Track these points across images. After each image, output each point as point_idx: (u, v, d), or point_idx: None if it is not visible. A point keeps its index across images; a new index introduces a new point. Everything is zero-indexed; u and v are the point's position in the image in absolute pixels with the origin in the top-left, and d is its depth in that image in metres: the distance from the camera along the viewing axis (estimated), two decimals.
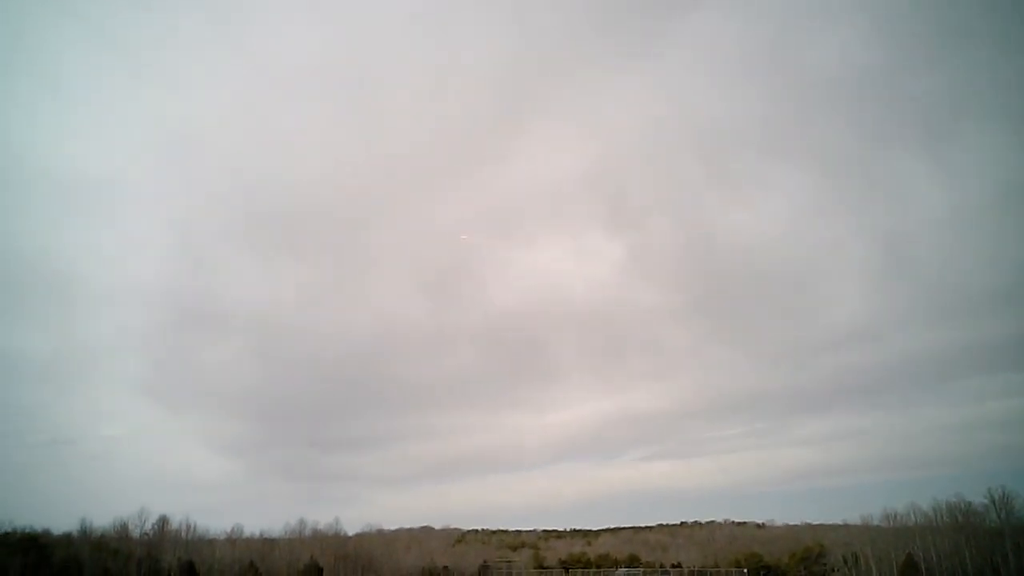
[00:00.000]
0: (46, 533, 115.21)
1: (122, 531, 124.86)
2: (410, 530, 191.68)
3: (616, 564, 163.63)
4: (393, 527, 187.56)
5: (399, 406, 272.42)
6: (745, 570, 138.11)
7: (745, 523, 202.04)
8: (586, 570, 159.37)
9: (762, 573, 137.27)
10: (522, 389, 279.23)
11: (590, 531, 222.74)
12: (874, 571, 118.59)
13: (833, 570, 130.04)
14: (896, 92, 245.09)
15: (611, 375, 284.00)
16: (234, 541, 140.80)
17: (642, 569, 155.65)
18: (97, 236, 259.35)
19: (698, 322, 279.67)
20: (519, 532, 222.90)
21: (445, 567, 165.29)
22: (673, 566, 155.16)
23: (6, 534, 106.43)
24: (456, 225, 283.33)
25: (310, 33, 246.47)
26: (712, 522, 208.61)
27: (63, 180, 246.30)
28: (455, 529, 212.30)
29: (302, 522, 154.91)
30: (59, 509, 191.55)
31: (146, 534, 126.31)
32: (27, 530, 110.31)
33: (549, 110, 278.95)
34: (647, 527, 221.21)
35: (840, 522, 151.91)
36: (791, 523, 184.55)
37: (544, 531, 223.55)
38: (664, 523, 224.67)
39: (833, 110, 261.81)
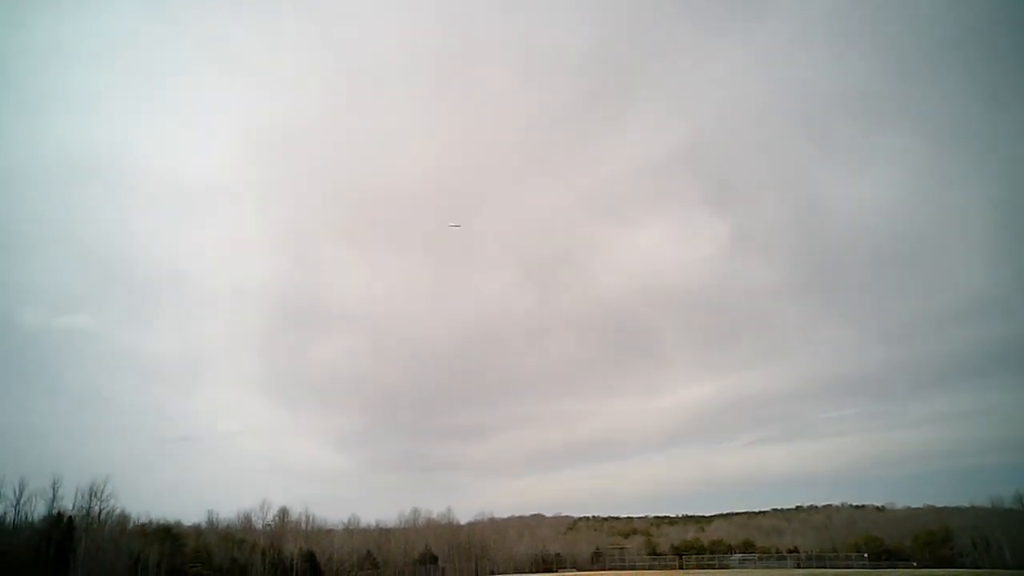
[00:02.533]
0: (178, 524, 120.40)
1: (246, 522, 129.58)
2: (521, 518, 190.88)
3: (731, 550, 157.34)
4: (504, 515, 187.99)
5: (505, 394, 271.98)
6: (865, 555, 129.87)
7: (863, 506, 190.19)
8: (700, 556, 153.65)
9: (884, 558, 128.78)
10: (629, 374, 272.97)
11: (702, 517, 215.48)
12: (1008, 556, 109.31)
13: (961, 555, 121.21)
14: (1017, 49, 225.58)
15: (720, 357, 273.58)
16: (351, 531, 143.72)
17: (757, 555, 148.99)
18: (206, 238, 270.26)
19: (809, 300, 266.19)
20: (630, 519, 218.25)
21: (557, 555, 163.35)
22: (789, 551, 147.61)
23: (143, 525, 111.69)
24: (556, 211, 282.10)
25: (401, 26, 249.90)
26: (828, 506, 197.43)
27: (172, 183, 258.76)
28: (566, 517, 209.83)
29: (415, 511, 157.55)
30: (187, 502, 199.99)
31: (268, 525, 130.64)
32: (161, 522, 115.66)
33: (646, 90, 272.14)
34: (761, 512, 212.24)
35: (966, 504, 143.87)
36: (912, 506, 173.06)
37: (655, 517, 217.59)
38: (779, 508, 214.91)
39: (948, 71, 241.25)
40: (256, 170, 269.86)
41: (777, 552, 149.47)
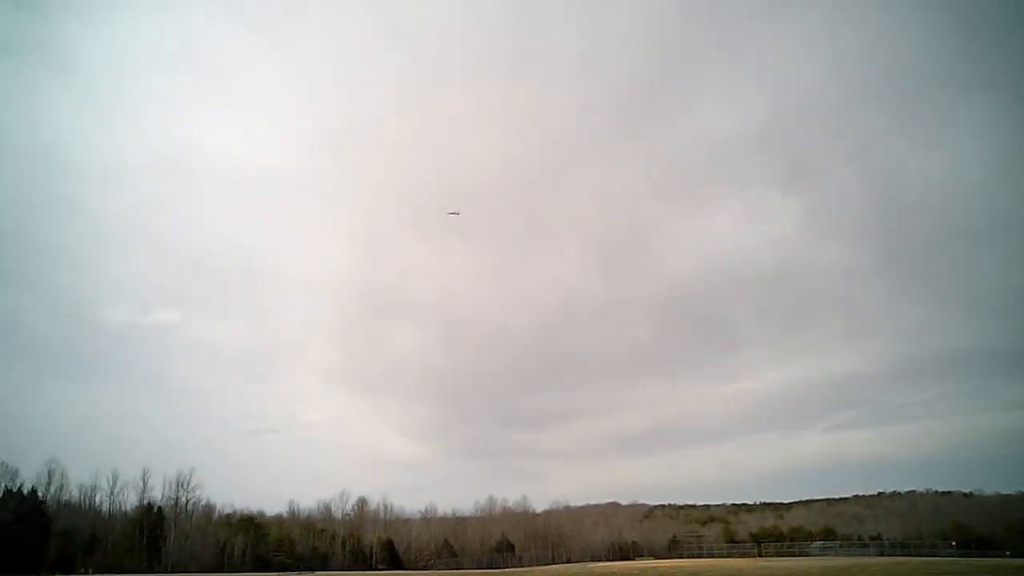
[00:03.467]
0: (260, 514, 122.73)
1: (326, 512, 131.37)
2: (597, 506, 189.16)
3: (811, 537, 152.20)
4: (580, 503, 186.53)
5: (580, 380, 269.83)
6: (953, 543, 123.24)
7: (950, 492, 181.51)
8: (779, 544, 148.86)
9: (973, 546, 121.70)
10: (703, 359, 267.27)
11: (781, 504, 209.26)
12: None
13: None
14: None
15: (797, 339, 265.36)
16: (428, 520, 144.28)
17: (839, 542, 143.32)
18: (284, 232, 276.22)
19: (889, 279, 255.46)
20: (707, 506, 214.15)
21: (634, 543, 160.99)
22: (872, 539, 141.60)
23: (228, 515, 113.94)
24: (626, 195, 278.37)
25: (466, 17, 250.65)
26: (913, 492, 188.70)
27: (250, 179, 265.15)
28: (642, 504, 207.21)
29: (491, 500, 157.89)
30: (269, 492, 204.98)
31: (348, 514, 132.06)
32: (245, 512, 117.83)
33: (715, 69, 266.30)
34: (842, 498, 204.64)
35: None
36: (1004, 492, 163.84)
37: (733, 505, 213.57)
38: (860, 494, 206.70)
39: None
40: (330, 164, 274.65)
41: (859, 539, 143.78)
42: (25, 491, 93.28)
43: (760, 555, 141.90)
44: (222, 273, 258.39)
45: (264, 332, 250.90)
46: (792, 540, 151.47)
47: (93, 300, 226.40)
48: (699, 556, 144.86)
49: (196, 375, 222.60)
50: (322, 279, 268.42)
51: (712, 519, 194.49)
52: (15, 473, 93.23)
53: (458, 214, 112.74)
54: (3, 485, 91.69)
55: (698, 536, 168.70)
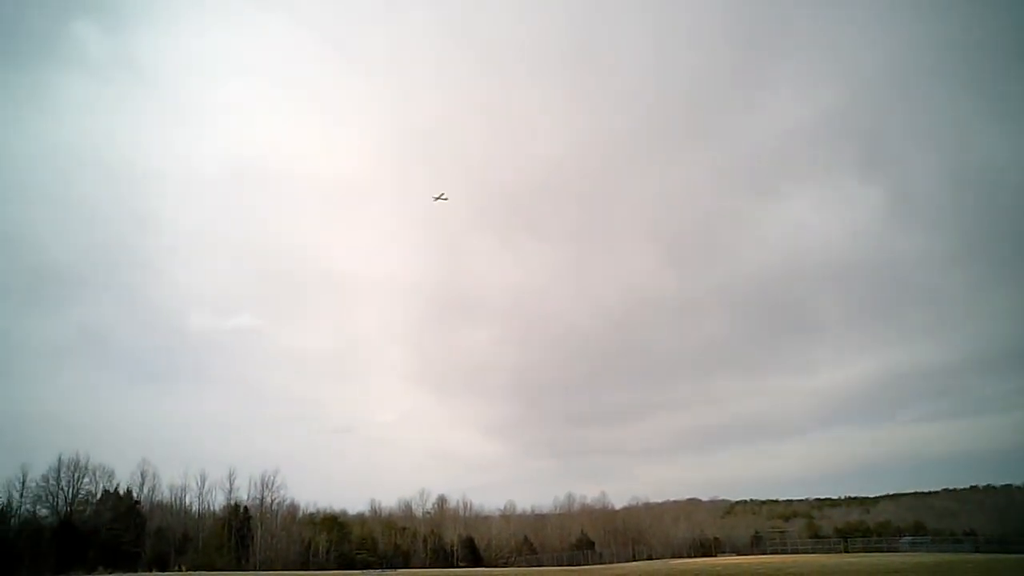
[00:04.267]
0: (343, 513, 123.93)
1: (406, 510, 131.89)
2: (677, 502, 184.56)
3: (899, 532, 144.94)
4: (659, 500, 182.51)
5: (655, 376, 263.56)
6: None
7: None
8: (866, 539, 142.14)
9: None
10: (782, 351, 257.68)
11: (867, 498, 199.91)
12: None
13: None
14: None
15: (880, 329, 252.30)
16: (508, 517, 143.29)
17: (930, 537, 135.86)
18: (356, 234, 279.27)
19: (976, 266, 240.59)
20: (790, 501, 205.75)
21: (716, 539, 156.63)
22: (966, 534, 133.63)
23: (311, 514, 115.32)
24: (697, 187, 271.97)
25: (531, 16, 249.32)
26: (1009, 486, 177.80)
27: (323, 183, 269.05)
28: (723, 500, 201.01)
29: (570, 497, 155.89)
30: (350, 491, 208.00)
31: (428, 513, 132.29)
32: (327, 510, 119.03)
33: (786, 52, 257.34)
34: (932, 492, 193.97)
35: None
36: None
37: (816, 499, 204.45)
38: (951, 487, 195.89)
39: None
40: (403, 166, 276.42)
41: (952, 535, 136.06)
42: (121, 491, 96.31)
43: (846, 551, 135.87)
44: (300, 277, 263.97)
45: (343, 334, 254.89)
46: (880, 535, 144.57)
47: (178, 308, 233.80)
48: (783, 552, 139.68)
49: (278, 378, 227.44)
50: (398, 281, 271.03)
51: (795, 514, 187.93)
52: (111, 474, 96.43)
53: (447, 199, 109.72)
54: (102, 486, 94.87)
55: (781, 532, 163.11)
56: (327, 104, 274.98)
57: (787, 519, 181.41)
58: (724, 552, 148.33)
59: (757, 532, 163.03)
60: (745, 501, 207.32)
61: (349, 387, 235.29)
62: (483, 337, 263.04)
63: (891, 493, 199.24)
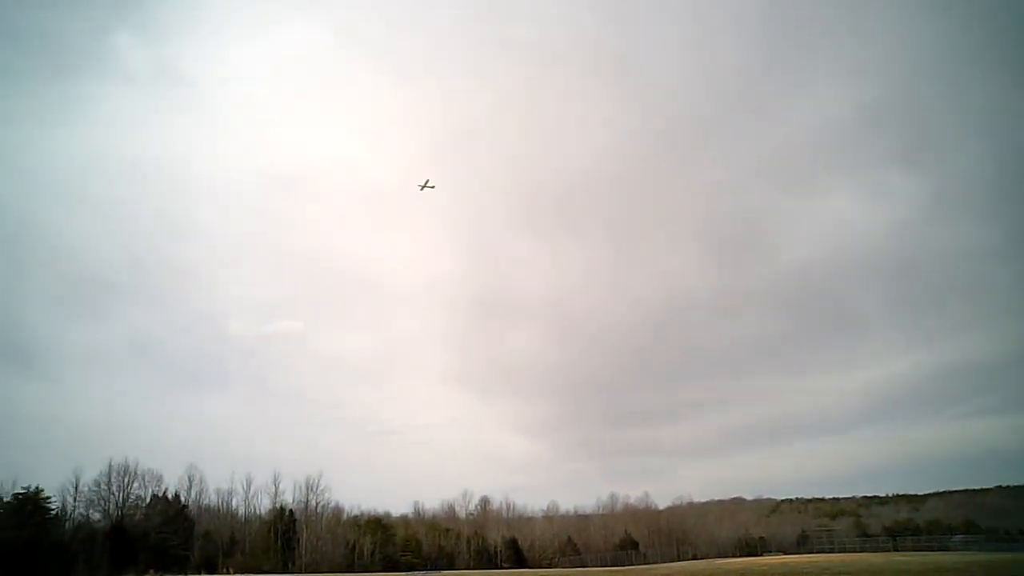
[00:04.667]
0: (387, 515, 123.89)
1: (450, 512, 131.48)
2: (721, 502, 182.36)
3: (950, 531, 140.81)
4: (703, 499, 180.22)
5: (696, 375, 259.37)
6: None
7: None
8: (916, 538, 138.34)
9: None
10: (825, 347, 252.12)
11: (916, 495, 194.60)
12: None
13: None
14: None
15: (924, 325, 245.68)
16: (551, 518, 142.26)
17: (984, 536, 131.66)
18: (397, 239, 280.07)
19: (1022, 259, 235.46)
20: (836, 499, 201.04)
21: (761, 538, 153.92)
22: (1021, 532, 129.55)
23: (356, 517, 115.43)
24: (735, 184, 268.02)
25: (563, 13, 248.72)
26: None
27: (362, 189, 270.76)
28: (768, 499, 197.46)
29: (613, 497, 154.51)
30: (394, 493, 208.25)
31: (471, 514, 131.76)
32: (372, 513, 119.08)
33: (824, 44, 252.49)
34: (983, 489, 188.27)
35: None
36: None
37: (863, 497, 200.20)
38: (1004, 484, 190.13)
39: None
40: (440, 169, 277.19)
41: (1007, 534, 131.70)
42: (169, 496, 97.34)
43: (896, 549, 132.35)
44: (340, 282, 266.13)
45: (383, 337, 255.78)
46: (930, 534, 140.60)
47: (220, 314, 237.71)
48: (830, 551, 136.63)
49: (320, 382, 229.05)
50: (437, 283, 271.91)
51: (842, 512, 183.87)
52: (160, 479, 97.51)
53: (433, 187, 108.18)
54: (151, 490, 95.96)
55: (828, 530, 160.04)
56: (365, 109, 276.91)
57: (833, 517, 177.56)
58: (770, 551, 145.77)
59: (803, 531, 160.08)
60: (790, 500, 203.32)
61: (391, 390, 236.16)
62: (524, 337, 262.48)
63: (940, 490, 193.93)
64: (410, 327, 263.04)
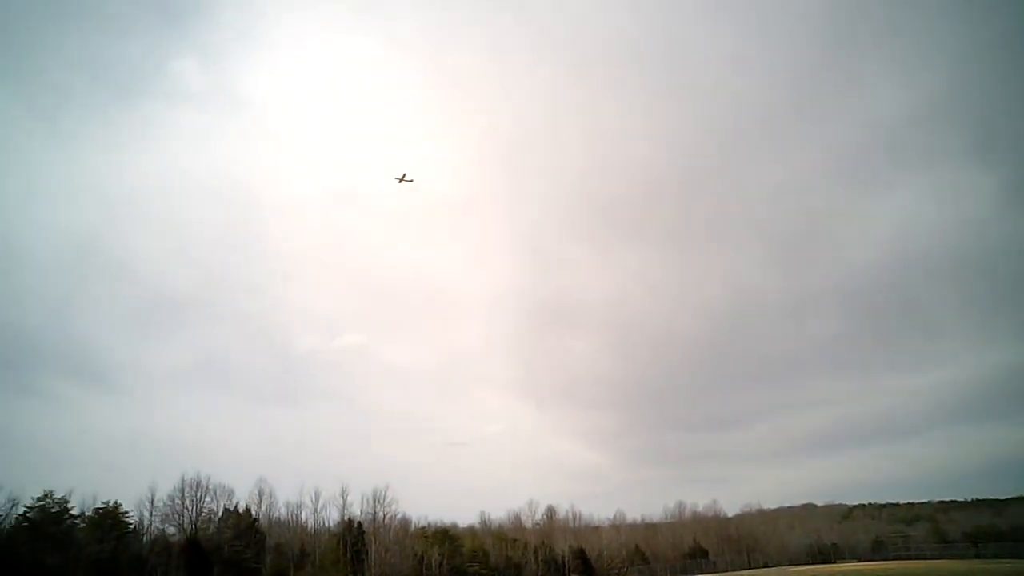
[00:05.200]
0: (454, 526, 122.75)
1: (516, 522, 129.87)
2: (791, 508, 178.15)
3: None
4: (773, 506, 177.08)
5: (763, 379, 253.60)
6: None
7: None
8: (1000, 544, 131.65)
9: None
10: (897, 349, 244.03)
11: (997, 500, 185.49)
12: None
13: None
14: None
15: (1000, 322, 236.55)
16: (618, 527, 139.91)
17: None
18: (457, 250, 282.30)
19: None
20: (912, 504, 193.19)
21: (834, 545, 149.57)
22: None
23: (423, 528, 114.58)
24: (798, 182, 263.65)
25: (614, 18, 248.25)
26: None
27: (422, 201, 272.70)
28: (840, 505, 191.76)
29: (680, 505, 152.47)
30: (460, 504, 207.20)
31: (537, 524, 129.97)
32: (439, 524, 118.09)
33: (887, 37, 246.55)
34: None
35: None
36: None
37: (940, 502, 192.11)
38: None
39: None
40: (496, 179, 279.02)
41: None
42: (240, 509, 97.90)
43: (979, 556, 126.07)
44: (402, 295, 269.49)
45: (446, 349, 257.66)
46: (1016, 540, 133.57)
47: (285, 329, 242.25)
48: (907, 558, 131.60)
49: (385, 394, 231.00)
50: (497, 293, 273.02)
51: (918, 518, 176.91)
52: (231, 493, 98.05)
53: (412, 181, 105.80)
54: (222, 504, 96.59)
55: (904, 536, 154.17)
56: (420, 122, 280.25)
57: (909, 523, 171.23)
58: (843, 558, 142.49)
59: (878, 537, 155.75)
60: (863, 505, 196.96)
61: (454, 400, 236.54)
62: (585, 345, 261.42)
63: (1023, 495, 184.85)
64: (472, 337, 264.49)
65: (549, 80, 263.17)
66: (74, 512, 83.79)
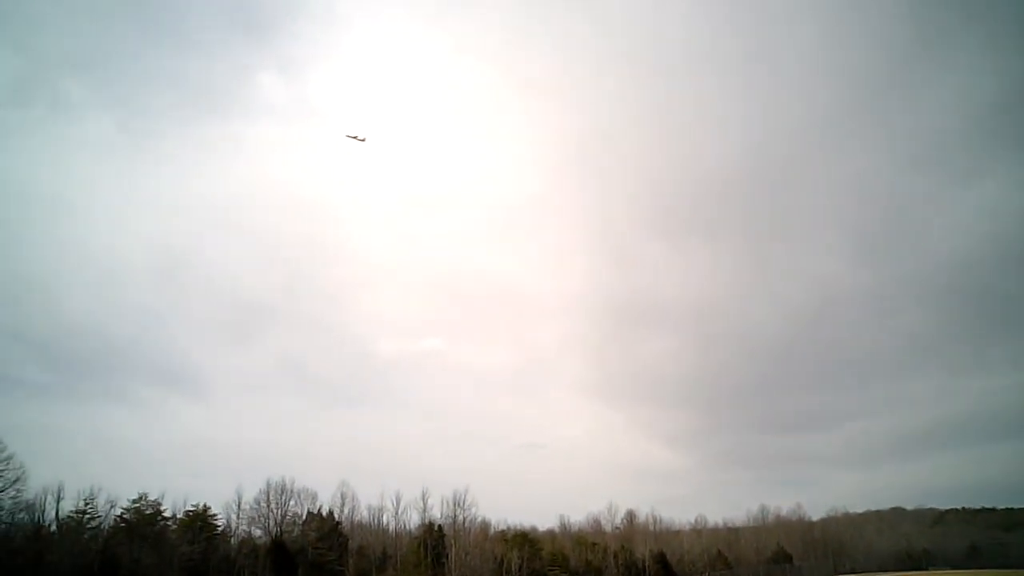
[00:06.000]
0: (533, 529, 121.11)
1: (596, 525, 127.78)
2: (879, 512, 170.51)
3: None
4: (860, 510, 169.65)
5: (848, 378, 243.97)
6: None
7: None
8: None
9: None
10: (991, 345, 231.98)
11: None
12: None
13: None
14: None
15: None
16: (699, 531, 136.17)
17: None
18: (532, 252, 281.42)
19: None
20: (1010, 510, 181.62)
21: (925, 550, 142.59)
22: None
23: (503, 531, 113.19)
24: (880, 174, 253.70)
25: (686, 15, 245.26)
26: None
27: (497, 205, 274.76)
28: (930, 509, 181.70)
29: (764, 509, 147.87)
30: (539, 506, 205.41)
31: (617, 528, 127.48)
32: (518, 527, 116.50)
33: (970, 18, 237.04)
34: None
35: None
36: None
37: None
38: None
39: None
40: (570, 180, 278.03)
41: None
42: (324, 512, 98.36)
43: None
44: (479, 298, 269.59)
45: (523, 351, 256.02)
46: None
47: (365, 334, 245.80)
48: (1006, 566, 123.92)
49: (464, 397, 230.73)
50: (573, 294, 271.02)
51: (1016, 524, 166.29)
52: (315, 496, 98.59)
53: (363, 140, 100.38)
54: (306, 507, 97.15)
55: (1002, 543, 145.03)
56: (494, 122, 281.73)
57: (1007, 529, 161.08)
58: (935, 565, 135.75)
59: (973, 543, 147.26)
60: (956, 510, 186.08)
61: (532, 402, 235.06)
62: (662, 346, 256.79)
63: None
64: (548, 339, 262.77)
65: (623, 81, 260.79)
66: (166, 514, 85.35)
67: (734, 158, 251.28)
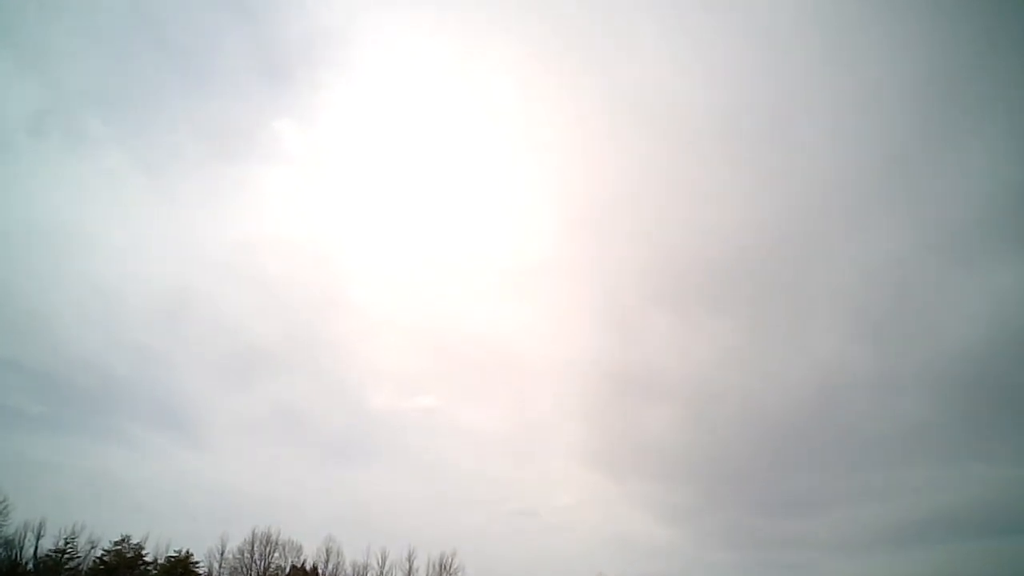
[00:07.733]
0: None
1: None
2: None
3: None
4: None
5: (848, 462, 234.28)
6: None
7: None
8: None
9: None
10: (994, 436, 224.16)
11: None
12: None
13: None
14: None
15: None
16: None
17: None
18: (533, 315, 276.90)
19: None
20: None
21: None
22: None
23: None
24: (891, 258, 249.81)
25: (706, 83, 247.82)
26: None
27: (500, 267, 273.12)
28: None
29: None
30: (530, 574, 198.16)
31: None
32: None
33: (989, 103, 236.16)
34: None
35: None
36: None
37: None
38: None
39: None
40: (577, 245, 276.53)
41: None
42: (307, 567, 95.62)
43: None
44: (479, 358, 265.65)
45: (519, 414, 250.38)
46: None
47: (360, 387, 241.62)
48: None
49: (456, 457, 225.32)
50: (572, 360, 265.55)
51: None
52: (299, 549, 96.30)
53: None
54: (290, 560, 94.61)
55: None
56: (507, 187, 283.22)
57: None
58: None
59: None
60: None
61: (527, 468, 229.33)
62: (661, 417, 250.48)
63: None
64: (546, 405, 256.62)
65: (633, 145, 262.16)
66: (147, 558, 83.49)
67: (744, 230, 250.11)
